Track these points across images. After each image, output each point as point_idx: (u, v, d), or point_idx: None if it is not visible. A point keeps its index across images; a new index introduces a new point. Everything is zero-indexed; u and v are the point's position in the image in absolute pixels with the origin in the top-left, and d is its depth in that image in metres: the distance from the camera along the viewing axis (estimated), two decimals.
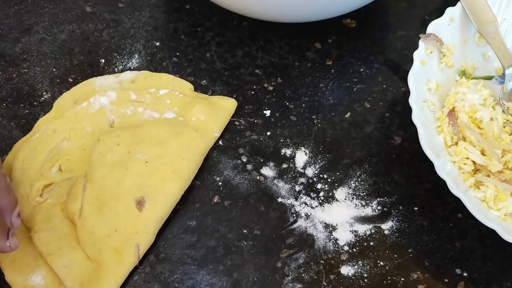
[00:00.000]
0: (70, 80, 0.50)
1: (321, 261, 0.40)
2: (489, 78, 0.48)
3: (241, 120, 0.48)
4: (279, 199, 0.43)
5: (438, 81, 0.45)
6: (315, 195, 0.43)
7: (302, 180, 0.44)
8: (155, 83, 0.49)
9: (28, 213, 0.41)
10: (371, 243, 0.41)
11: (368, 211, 0.43)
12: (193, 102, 0.47)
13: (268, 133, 0.47)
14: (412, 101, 0.41)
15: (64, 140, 0.45)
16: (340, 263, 0.40)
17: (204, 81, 0.51)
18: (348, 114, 0.49)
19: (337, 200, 0.43)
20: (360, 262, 0.40)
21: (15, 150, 0.45)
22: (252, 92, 0.50)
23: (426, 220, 0.42)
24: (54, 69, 0.51)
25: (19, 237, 0.38)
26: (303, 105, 0.49)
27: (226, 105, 0.48)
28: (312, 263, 0.40)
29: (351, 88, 0.50)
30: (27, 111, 0.48)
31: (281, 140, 0.47)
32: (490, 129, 0.42)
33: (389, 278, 0.39)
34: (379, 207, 0.43)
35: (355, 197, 0.43)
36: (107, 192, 0.41)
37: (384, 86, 0.50)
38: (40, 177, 0.43)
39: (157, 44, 0.54)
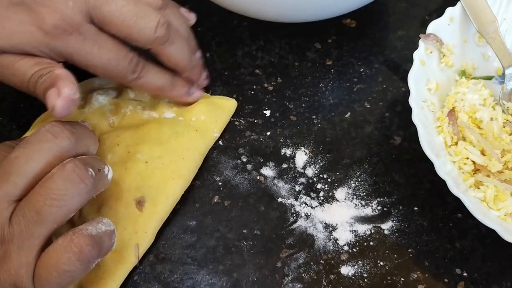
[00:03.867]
0: None
1: (321, 261, 0.40)
2: (489, 78, 0.48)
3: (241, 120, 0.48)
4: (279, 199, 0.43)
5: (438, 81, 0.45)
6: (315, 195, 0.43)
7: (302, 180, 0.44)
8: None
9: None
10: (371, 243, 0.41)
11: (368, 211, 0.43)
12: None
13: (268, 133, 0.47)
14: (412, 101, 0.41)
15: None
16: (340, 263, 0.40)
17: None
18: (348, 114, 0.49)
19: (337, 200, 0.43)
20: (360, 262, 0.40)
21: None
22: (252, 92, 0.50)
23: (426, 220, 0.42)
24: None
25: None
26: (303, 105, 0.49)
27: (226, 105, 0.48)
28: (312, 263, 0.40)
29: (351, 88, 0.50)
30: (27, 111, 0.48)
31: (281, 140, 0.47)
32: (490, 129, 0.42)
33: (389, 278, 0.39)
34: (379, 207, 0.43)
35: (355, 197, 0.43)
36: (106, 192, 0.41)
37: (384, 86, 0.50)
38: None
39: None
